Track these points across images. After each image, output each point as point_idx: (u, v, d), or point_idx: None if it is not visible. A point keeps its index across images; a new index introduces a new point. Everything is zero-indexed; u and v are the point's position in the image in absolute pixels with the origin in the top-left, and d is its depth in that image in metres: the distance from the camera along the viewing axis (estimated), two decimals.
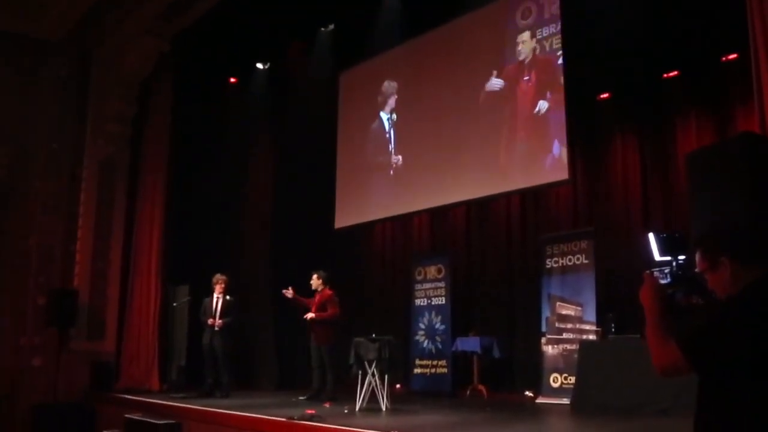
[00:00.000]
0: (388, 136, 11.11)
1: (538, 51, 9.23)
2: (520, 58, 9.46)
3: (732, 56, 8.12)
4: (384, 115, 11.18)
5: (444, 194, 10.13)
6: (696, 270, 2.21)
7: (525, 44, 9.41)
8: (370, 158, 11.34)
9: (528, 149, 9.14)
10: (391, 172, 10.97)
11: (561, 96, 8.77)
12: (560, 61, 8.83)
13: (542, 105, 9.08)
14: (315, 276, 8.89)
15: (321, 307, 8.70)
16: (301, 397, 8.69)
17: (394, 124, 11.04)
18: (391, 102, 11.10)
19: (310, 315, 8.66)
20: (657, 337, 2.11)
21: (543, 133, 8.98)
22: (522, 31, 9.42)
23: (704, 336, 2.02)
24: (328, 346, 8.71)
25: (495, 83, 9.66)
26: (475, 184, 9.76)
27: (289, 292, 8.87)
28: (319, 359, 8.74)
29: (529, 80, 9.33)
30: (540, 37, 9.15)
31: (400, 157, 10.87)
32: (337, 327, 8.90)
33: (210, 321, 9.09)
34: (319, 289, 8.83)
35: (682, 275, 2.31)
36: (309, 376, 9.09)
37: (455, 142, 10.04)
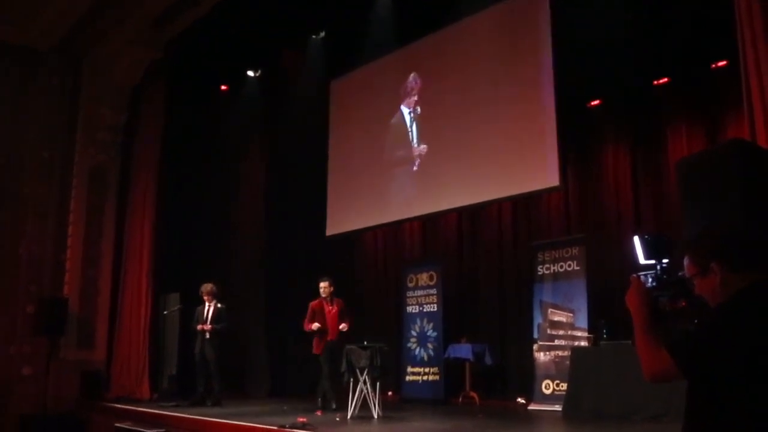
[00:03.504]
0: (408, 132, 10.72)
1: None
2: None
3: (722, 63, 8.17)
4: (405, 109, 10.76)
5: (435, 202, 10.11)
6: (681, 274, 2.20)
7: None
8: (365, 161, 11.26)
9: (518, 156, 9.13)
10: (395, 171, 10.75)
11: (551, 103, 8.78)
12: (551, 66, 8.84)
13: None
14: (327, 283, 8.17)
15: (341, 318, 8.10)
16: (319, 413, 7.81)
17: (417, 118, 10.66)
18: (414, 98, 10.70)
19: (344, 326, 7.98)
20: (646, 342, 2.09)
21: (533, 139, 8.97)
22: None
23: (695, 343, 2.01)
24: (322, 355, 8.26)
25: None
26: (466, 191, 9.75)
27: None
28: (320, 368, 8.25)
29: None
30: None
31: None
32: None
33: (199, 327, 9.04)
34: (329, 298, 8.16)
35: (668, 279, 2.30)
36: (308, 385, 8.81)
37: (446, 149, 10.03)
